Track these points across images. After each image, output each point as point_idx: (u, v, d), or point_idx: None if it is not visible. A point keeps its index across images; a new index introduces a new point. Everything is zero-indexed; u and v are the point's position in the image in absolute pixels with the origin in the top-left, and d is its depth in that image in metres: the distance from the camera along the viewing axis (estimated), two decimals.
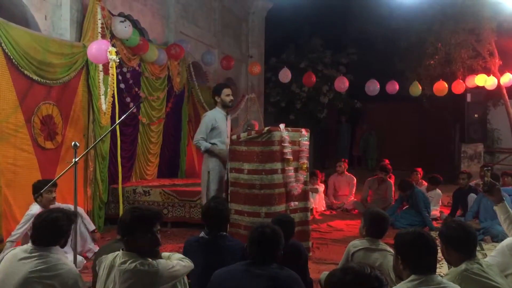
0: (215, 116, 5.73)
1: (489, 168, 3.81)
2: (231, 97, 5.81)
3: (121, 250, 2.72)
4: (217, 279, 2.85)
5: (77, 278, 2.88)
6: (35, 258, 2.83)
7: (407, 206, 7.55)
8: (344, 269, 2.00)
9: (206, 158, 5.72)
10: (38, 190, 4.58)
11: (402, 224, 6.96)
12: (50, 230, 2.93)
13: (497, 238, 5.99)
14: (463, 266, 2.70)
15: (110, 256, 2.73)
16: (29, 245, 2.93)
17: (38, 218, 3.02)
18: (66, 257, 3.05)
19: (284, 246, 3.64)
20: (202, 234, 3.54)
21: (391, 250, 3.60)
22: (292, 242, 3.74)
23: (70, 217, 3.08)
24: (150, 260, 2.66)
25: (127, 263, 2.62)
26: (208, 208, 3.62)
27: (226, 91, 5.77)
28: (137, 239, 2.68)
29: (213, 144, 5.63)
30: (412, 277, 2.44)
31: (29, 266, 2.79)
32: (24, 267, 2.80)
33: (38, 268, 2.79)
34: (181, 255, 2.99)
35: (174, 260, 2.88)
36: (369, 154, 15.93)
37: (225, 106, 5.80)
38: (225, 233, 3.58)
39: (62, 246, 3.05)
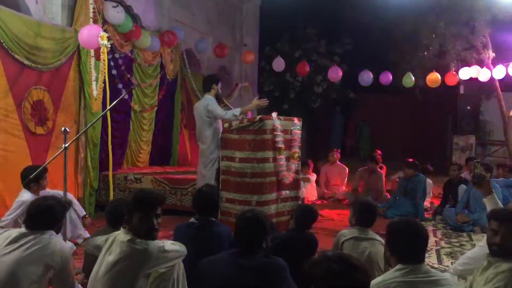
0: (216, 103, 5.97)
1: (479, 160, 3.85)
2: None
3: (122, 228, 2.77)
4: (205, 269, 2.83)
5: (67, 256, 2.92)
6: (30, 238, 2.85)
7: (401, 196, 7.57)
8: (329, 258, 1.80)
9: (215, 147, 5.74)
10: (29, 177, 4.55)
11: (393, 214, 6.99)
12: (45, 218, 2.95)
13: (486, 228, 6.03)
14: None
15: (116, 233, 2.79)
16: (22, 229, 2.94)
17: (33, 205, 3.04)
18: (60, 238, 3.09)
19: (301, 238, 3.68)
20: (192, 219, 3.56)
21: (380, 239, 3.63)
22: (310, 235, 3.82)
23: (64, 205, 3.13)
24: (142, 240, 2.67)
25: (121, 239, 2.67)
26: (198, 193, 3.68)
27: (220, 84, 6.18)
28: (133, 220, 2.71)
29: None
30: (398, 266, 2.42)
31: (25, 246, 2.82)
32: (18, 248, 2.81)
33: (34, 248, 2.81)
34: (172, 241, 2.99)
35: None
36: (362, 144, 15.97)
37: (217, 96, 6.07)
38: (214, 219, 3.60)
39: (56, 233, 3.08)
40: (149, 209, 2.73)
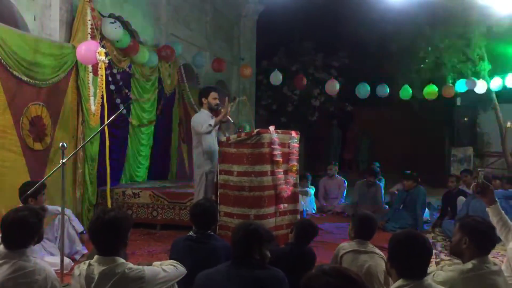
0: (204, 117, 5.81)
1: (483, 169, 3.80)
2: (217, 101, 5.97)
3: (96, 256, 2.64)
4: (201, 281, 2.83)
5: (56, 284, 2.81)
6: (11, 264, 2.71)
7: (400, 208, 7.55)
8: (326, 272, 1.73)
9: (203, 161, 5.75)
10: (26, 193, 4.53)
11: (393, 227, 6.97)
12: (21, 231, 2.80)
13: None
14: (469, 265, 2.65)
15: (82, 265, 2.66)
16: (1, 249, 2.80)
17: (5, 220, 2.85)
18: (42, 260, 2.99)
19: (299, 252, 3.67)
20: (190, 233, 3.57)
21: (380, 252, 3.61)
22: (308, 249, 3.80)
23: (38, 213, 2.96)
24: (133, 265, 2.63)
25: (110, 268, 2.57)
26: (196, 206, 3.68)
27: (213, 94, 5.96)
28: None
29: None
30: (400, 282, 2.35)
31: (5, 272, 2.68)
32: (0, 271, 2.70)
33: (14, 275, 2.68)
34: (172, 261, 2.99)
35: (166, 265, 2.86)
36: (361, 157, 15.99)
37: (211, 109, 5.92)
38: (212, 233, 3.61)
39: (36, 243, 2.97)
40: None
